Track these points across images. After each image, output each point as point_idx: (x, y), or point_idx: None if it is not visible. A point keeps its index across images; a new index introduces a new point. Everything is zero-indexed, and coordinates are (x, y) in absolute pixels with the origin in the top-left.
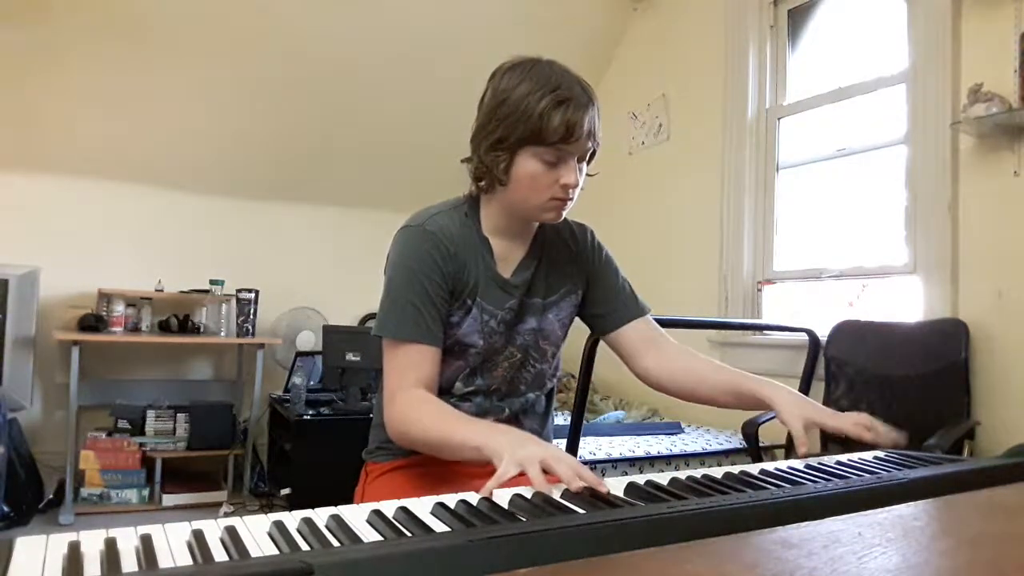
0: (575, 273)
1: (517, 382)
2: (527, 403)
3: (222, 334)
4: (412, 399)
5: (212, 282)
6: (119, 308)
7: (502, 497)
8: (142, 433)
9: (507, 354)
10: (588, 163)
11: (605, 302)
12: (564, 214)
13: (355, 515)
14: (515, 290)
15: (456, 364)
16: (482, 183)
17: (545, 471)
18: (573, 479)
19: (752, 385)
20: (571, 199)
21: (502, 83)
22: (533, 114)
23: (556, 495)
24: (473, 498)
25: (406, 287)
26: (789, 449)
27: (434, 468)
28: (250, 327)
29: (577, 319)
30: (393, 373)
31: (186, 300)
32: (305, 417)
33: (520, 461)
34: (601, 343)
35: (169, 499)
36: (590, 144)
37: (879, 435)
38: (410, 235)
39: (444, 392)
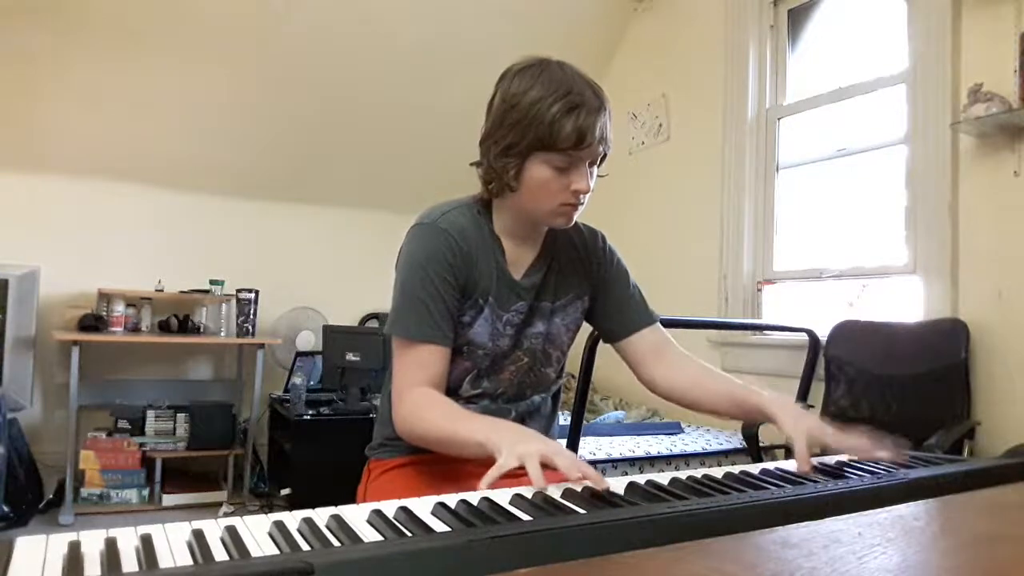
0: (584, 278)
1: (523, 386)
2: (532, 406)
3: (222, 334)
4: (420, 397)
5: (212, 282)
6: (119, 308)
7: (502, 497)
8: (142, 433)
9: (514, 358)
10: (599, 165)
11: (615, 310)
12: (575, 219)
13: (355, 515)
14: (525, 293)
15: (464, 365)
16: (492, 187)
17: (545, 467)
18: (573, 470)
19: (755, 398)
20: (582, 204)
21: (511, 87)
22: (544, 120)
23: (556, 495)
24: (474, 498)
25: (418, 286)
26: (789, 449)
27: (437, 466)
28: (250, 327)
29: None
30: (402, 371)
31: (186, 300)
32: (305, 417)
33: (520, 455)
34: (601, 343)
35: (169, 499)
36: (601, 149)
37: (884, 452)
38: (423, 232)
39: (451, 394)
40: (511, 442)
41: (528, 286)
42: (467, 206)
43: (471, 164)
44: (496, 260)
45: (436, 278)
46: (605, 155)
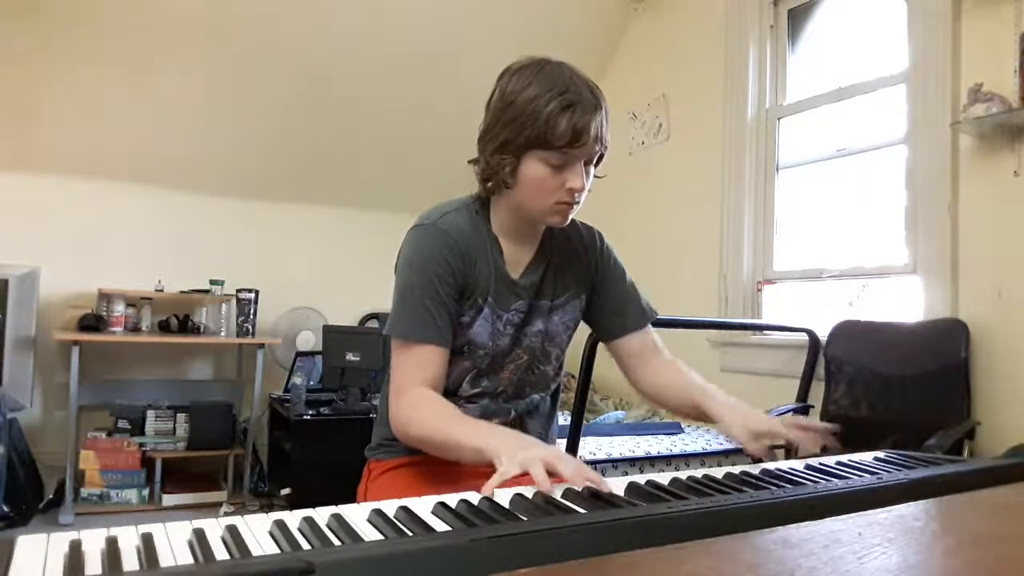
0: (582, 276)
1: (523, 384)
2: (532, 404)
3: (222, 334)
4: (417, 398)
5: (212, 282)
6: (119, 308)
7: (503, 497)
8: (142, 433)
9: (513, 356)
10: (596, 166)
11: (610, 310)
12: (570, 218)
13: (356, 514)
14: (523, 292)
15: (463, 365)
16: (489, 185)
17: (549, 474)
18: (577, 478)
19: (707, 402)
20: (577, 203)
21: (510, 85)
22: (539, 118)
23: (556, 495)
24: (474, 498)
25: (418, 287)
26: (789, 449)
27: (436, 466)
28: (250, 327)
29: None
30: (401, 372)
31: (186, 300)
32: (305, 417)
33: (522, 462)
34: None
35: (169, 499)
36: (597, 148)
37: (811, 436)
38: (423, 233)
39: (451, 394)
40: (510, 449)
41: (526, 285)
42: (465, 206)
43: (469, 161)
44: (494, 260)
45: (436, 279)
46: (602, 156)
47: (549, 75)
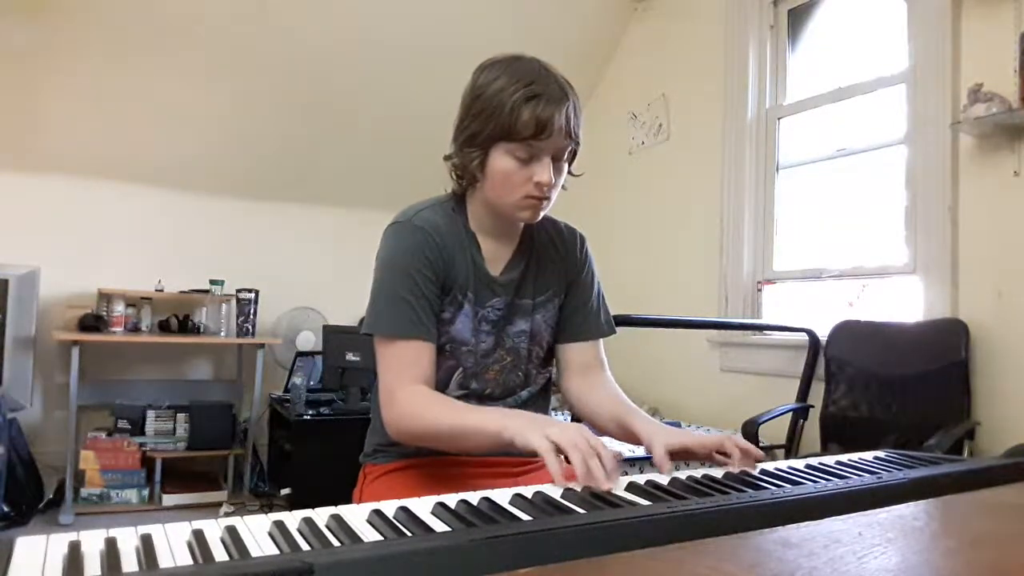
0: (561, 277)
1: (509, 384)
2: (520, 400)
3: (222, 334)
4: (415, 395)
5: (212, 282)
6: (119, 308)
7: (502, 497)
8: (142, 433)
9: (497, 357)
10: (570, 163)
11: (568, 314)
12: (541, 214)
13: (355, 515)
14: (502, 289)
15: (448, 363)
16: (462, 180)
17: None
18: (605, 482)
19: (634, 421)
20: (547, 198)
21: (480, 79)
22: (504, 109)
23: (556, 495)
24: (473, 498)
25: (398, 283)
26: (789, 449)
27: (433, 469)
28: (250, 327)
29: None
30: (390, 371)
31: (186, 300)
32: (305, 417)
33: (559, 442)
34: (604, 341)
35: (169, 499)
36: (566, 142)
37: (743, 456)
38: (399, 231)
39: None
40: (533, 428)
41: (505, 282)
42: (440, 204)
43: (444, 158)
44: (472, 256)
45: (416, 274)
46: (575, 153)
47: (518, 68)
